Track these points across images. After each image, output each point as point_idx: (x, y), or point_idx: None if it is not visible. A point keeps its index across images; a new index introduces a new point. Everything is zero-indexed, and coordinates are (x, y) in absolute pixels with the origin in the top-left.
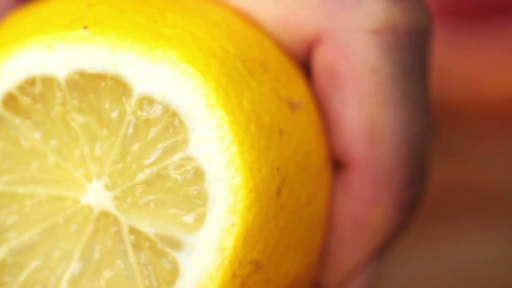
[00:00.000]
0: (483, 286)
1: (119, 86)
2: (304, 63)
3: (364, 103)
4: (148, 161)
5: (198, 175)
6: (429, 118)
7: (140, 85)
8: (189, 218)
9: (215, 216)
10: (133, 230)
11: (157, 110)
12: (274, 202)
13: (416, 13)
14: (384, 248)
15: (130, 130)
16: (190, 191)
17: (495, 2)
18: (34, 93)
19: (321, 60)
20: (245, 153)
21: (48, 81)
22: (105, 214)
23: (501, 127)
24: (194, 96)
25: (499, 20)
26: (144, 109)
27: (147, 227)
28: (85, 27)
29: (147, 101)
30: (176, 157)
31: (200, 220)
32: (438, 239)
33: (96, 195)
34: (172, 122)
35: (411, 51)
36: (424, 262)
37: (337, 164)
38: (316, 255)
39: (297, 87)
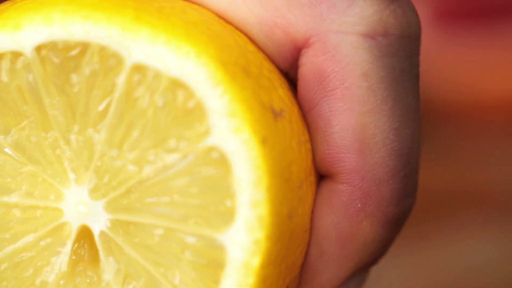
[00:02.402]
0: (483, 286)
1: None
2: (287, 70)
3: (354, 110)
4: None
5: None
6: (420, 126)
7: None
8: None
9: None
10: None
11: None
12: None
13: (407, 18)
14: (367, 265)
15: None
16: None
17: (494, 4)
18: None
19: (309, 64)
20: None
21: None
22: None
23: (501, 128)
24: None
25: (497, 22)
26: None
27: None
28: None
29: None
30: None
31: None
32: (437, 240)
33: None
34: None
35: (403, 57)
36: (424, 263)
37: (322, 175)
38: (296, 270)
39: (279, 94)
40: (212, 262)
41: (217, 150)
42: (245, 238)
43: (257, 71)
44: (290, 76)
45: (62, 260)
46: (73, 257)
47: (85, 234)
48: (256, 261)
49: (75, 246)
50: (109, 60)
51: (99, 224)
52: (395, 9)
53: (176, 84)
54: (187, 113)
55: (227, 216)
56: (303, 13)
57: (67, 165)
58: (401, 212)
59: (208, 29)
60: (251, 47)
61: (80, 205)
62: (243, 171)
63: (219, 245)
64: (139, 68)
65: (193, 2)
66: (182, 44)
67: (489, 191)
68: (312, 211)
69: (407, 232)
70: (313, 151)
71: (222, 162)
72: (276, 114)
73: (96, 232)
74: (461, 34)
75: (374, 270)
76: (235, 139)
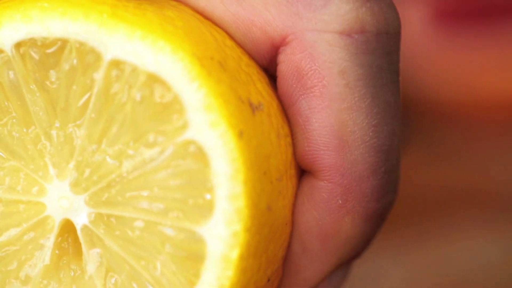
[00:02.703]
0: (484, 287)
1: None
2: (266, 66)
3: (333, 108)
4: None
5: None
6: (399, 123)
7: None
8: None
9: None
10: None
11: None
12: None
13: (385, 14)
14: (350, 259)
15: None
16: None
17: (494, 4)
18: None
19: (287, 62)
20: None
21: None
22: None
23: (501, 128)
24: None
25: (497, 22)
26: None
27: None
28: None
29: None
30: None
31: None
32: (438, 240)
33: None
34: None
35: (380, 53)
36: (424, 263)
37: (303, 170)
38: (278, 262)
39: (258, 88)
40: (192, 255)
41: (194, 144)
42: (223, 231)
43: (234, 65)
44: (269, 72)
45: (45, 253)
46: (57, 251)
47: (68, 228)
48: (235, 254)
49: (59, 239)
50: (87, 56)
51: (81, 218)
52: (372, 6)
53: (153, 79)
54: (165, 107)
55: (205, 210)
56: (280, 12)
57: (49, 160)
58: (382, 207)
59: (184, 25)
60: (229, 42)
61: (62, 200)
62: (220, 164)
63: (199, 238)
64: (116, 64)
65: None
66: (157, 39)
67: (489, 191)
68: (294, 206)
69: (407, 232)
70: (294, 146)
71: (200, 155)
72: (254, 108)
73: (78, 226)
74: (461, 34)
75: (374, 270)
76: (212, 133)
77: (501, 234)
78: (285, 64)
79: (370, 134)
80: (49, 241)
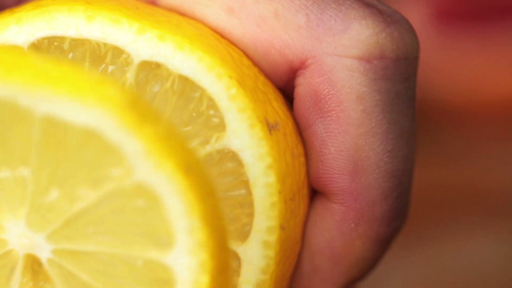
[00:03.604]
0: (484, 287)
1: None
2: (283, 87)
3: (349, 132)
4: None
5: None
6: (414, 147)
7: None
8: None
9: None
10: None
11: None
12: None
13: (404, 40)
14: (356, 280)
15: None
16: None
17: (494, 4)
18: None
19: (305, 85)
20: None
21: None
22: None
23: (502, 128)
24: None
25: (498, 22)
26: None
27: None
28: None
29: None
30: None
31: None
32: (440, 241)
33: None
34: None
35: (398, 79)
36: (426, 264)
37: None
38: (287, 281)
39: (274, 107)
40: (162, 281)
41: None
42: (189, 259)
43: (251, 84)
44: (286, 92)
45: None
46: (25, 280)
47: (33, 261)
48: (204, 279)
49: (26, 269)
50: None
51: (45, 253)
52: (392, 32)
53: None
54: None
55: (167, 240)
56: (300, 35)
57: (3, 201)
58: (392, 231)
59: (202, 43)
60: (246, 61)
61: (22, 238)
62: None
63: (166, 266)
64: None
65: (190, 18)
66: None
67: (490, 191)
68: (305, 225)
69: (408, 232)
70: (308, 168)
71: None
72: (270, 127)
73: (43, 260)
74: (462, 34)
75: (376, 271)
76: None
77: (504, 235)
78: (303, 87)
79: (385, 159)
80: (16, 273)
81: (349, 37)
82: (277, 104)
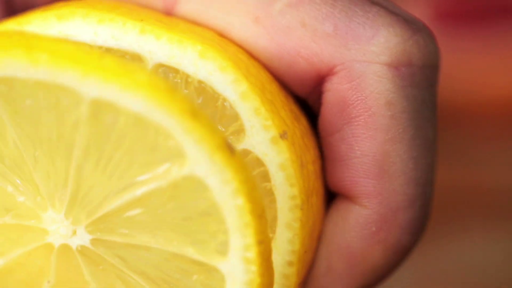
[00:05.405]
0: (485, 287)
1: None
2: (306, 96)
3: (377, 138)
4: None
5: None
6: (436, 158)
7: None
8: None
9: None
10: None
11: None
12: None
13: (428, 48)
14: (371, 287)
15: None
16: None
17: (494, 4)
18: None
19: (334, 91)
20: None
21: None
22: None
23: (503, 128)
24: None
25: (499, 22)
26: None
27: None
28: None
29: None
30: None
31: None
32: (440, 241)
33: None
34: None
35: (424, 86)
36: (426, 264)
37: (337, 194)
38: (302, 277)
39: (281, 116)
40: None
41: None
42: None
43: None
44: (309, 102)
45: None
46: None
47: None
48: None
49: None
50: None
51: (81, 242)
52: (418, 40)
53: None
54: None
55: (222, 248)
56: (328, 43)
57: (44, 189)
58: (413, 242)
59: (220, 46)
60: (252, 69)
61: (61, 227)
62: None
63: (217, 271)
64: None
65: (212, 28)
66: None
67: (491, 191)
68: (326, 225)
69: None
70: (329, 172)
71: None
72: (281, 135)
73: (79, 248)
74: (462, 34)
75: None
76: None
77: (504, 235)
78: (331, 93)
79: (410, 166)
80: (52, 264)
81: (377, 43)
82: (284, 112)
